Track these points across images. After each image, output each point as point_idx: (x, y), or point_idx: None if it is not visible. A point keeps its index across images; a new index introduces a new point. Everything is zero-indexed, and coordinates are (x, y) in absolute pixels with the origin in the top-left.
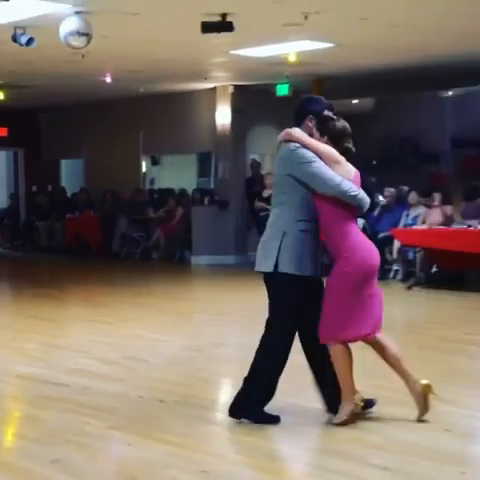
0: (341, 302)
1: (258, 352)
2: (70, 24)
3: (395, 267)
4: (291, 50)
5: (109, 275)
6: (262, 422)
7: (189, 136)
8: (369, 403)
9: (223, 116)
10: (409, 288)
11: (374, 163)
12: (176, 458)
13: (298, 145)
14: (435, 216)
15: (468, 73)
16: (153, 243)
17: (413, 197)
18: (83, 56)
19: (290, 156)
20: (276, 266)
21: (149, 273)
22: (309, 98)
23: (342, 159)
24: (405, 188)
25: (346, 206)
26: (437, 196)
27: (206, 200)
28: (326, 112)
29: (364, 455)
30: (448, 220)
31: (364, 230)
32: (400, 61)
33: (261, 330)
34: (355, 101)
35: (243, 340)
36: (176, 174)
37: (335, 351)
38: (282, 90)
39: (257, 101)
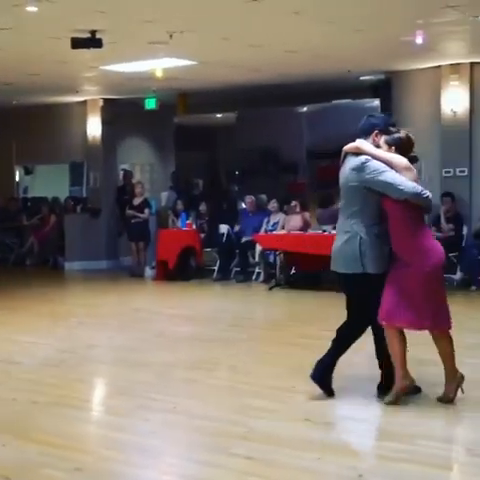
0: (438, 294)
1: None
2: None
3: (257, 270)
4: (157, 66)
5: None
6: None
7: (61, 147)
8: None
9: (94, 128)
10: (270, 289)
11: (237, 173)
12: (50, 457)
13: (368, 158)
14: (295, 222)
15: (321, 90)
16: (27, 249)
17: (273, 205)
18: None
19: (363, 168)
20: (362, 268)
21: (23, 278)
22: (373, 115)
23: (411, 165)
24: (264, 196)
25: (416, 209)
26: (297, 203)
27: (78, 208)
28: (390, 127)
29: (228, 446)
30: (306, 225)
31: (228, 235)
32: (260, 78)
33: (130, 333)
34: (219, 115)
35: (115, 342)
36: (49, 183)
37: (444, 338)
38: (150, 104)
39: (127, 114)
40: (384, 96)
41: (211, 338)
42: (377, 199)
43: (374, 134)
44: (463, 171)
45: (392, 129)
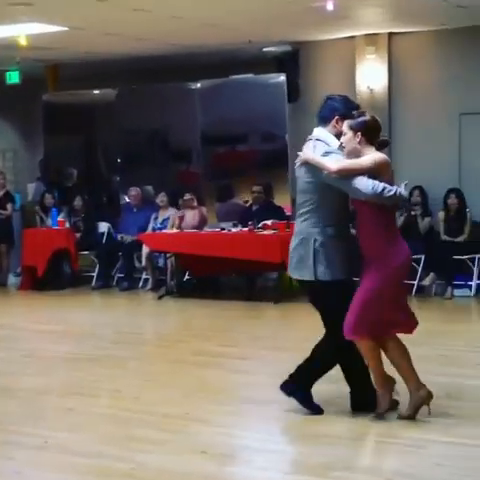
0: (401, 298)
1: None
2: None
3: (144, 276)
4: (20, 33)
5: None
6: (307, 407)
7: None
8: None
9: None
10: (160, 298)
11: (119, 161)
12: None
13: (330, 150)
14: (190, 218)
15: (218, 64)
16: None
17: (162, 198)
18: None
19: None
20: (315, 274)
21: None
22: (333, 97)
23: (380, 160)
24: (150, 188)
25: (382, 207)
26: (193, 197)
27: None
28: (354, 112)
29: None
30: (203, 222)
31: (109, 235)
32: (144, 49)
33: None
34: (96, 92)
35: None
36: None
37: (368, 346)
38: (12, 78)
39: None
40: (291, 70)
41: (90, 358)
42: (334, 197)
43: (334, 120)
44: None
45: (355, 113)
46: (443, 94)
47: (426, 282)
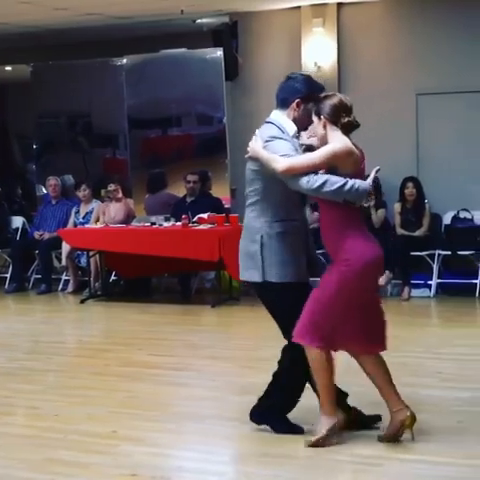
0: (339, 309)
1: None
2: None
3: (64, 277)
4: None
5: None
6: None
7: None
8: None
9: None
10: (83, 302)
11: (35, 147)
12: None
13: (274, 135)
14: (115, 212)
15: (147, 37)
16: None
17: (85, 189)
18: None
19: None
20: (263, 275)
21: None
22: (294, 77)
23: (346, 150)
24: (71, 178)
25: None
26: (118, 187)
27: None
28: (317, 93)
29: None
30: (130, 216)
31: (23, 231)
32: (62, 20)
33: None
34: (8, 68)
35: None
36: None
37: (317, 358)
38: None
39: None
40: (228, 44)
41: (2, 371)
42: (282, 188)
43: (294, 103)
44: None
45: (321, 96)
46: (398, 72)
47: (380, 282)
